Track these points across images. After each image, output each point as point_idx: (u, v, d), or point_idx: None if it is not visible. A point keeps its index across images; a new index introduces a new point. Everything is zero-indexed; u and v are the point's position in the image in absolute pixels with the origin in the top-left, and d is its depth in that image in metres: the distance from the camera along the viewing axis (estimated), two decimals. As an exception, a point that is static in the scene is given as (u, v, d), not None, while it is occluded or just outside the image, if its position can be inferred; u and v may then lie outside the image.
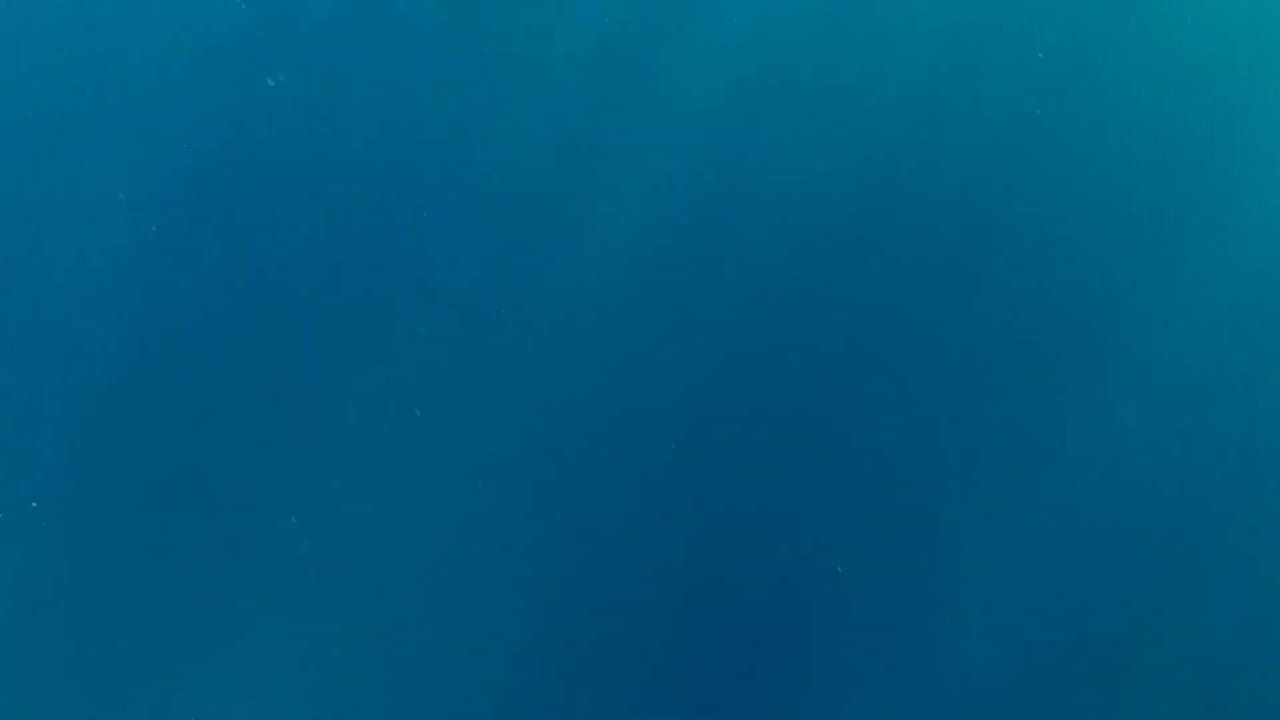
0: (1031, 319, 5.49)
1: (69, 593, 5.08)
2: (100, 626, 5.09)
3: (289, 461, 5.17)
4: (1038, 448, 5.40)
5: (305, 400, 5.21)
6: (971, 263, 5.45)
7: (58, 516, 5.07)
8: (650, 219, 5.39)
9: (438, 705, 5.16)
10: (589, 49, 5.40)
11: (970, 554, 5.33)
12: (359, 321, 5.25)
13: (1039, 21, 5.53)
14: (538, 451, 5.30)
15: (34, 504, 5.03)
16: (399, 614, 5.18)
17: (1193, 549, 5.39)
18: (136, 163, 5.17)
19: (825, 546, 5.32)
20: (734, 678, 5.29)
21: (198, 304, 5.19)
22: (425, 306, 5.27)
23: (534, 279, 5.33)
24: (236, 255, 5.22)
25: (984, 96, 5.54)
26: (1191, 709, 5.36)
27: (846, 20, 5.52)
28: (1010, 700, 5.30)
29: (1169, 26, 5.53)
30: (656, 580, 5.28)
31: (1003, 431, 5.40)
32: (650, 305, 5.39)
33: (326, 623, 5.16)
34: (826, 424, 5.38)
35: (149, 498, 5.12)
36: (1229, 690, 5.37)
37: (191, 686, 5.10)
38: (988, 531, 5.34)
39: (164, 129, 5.20)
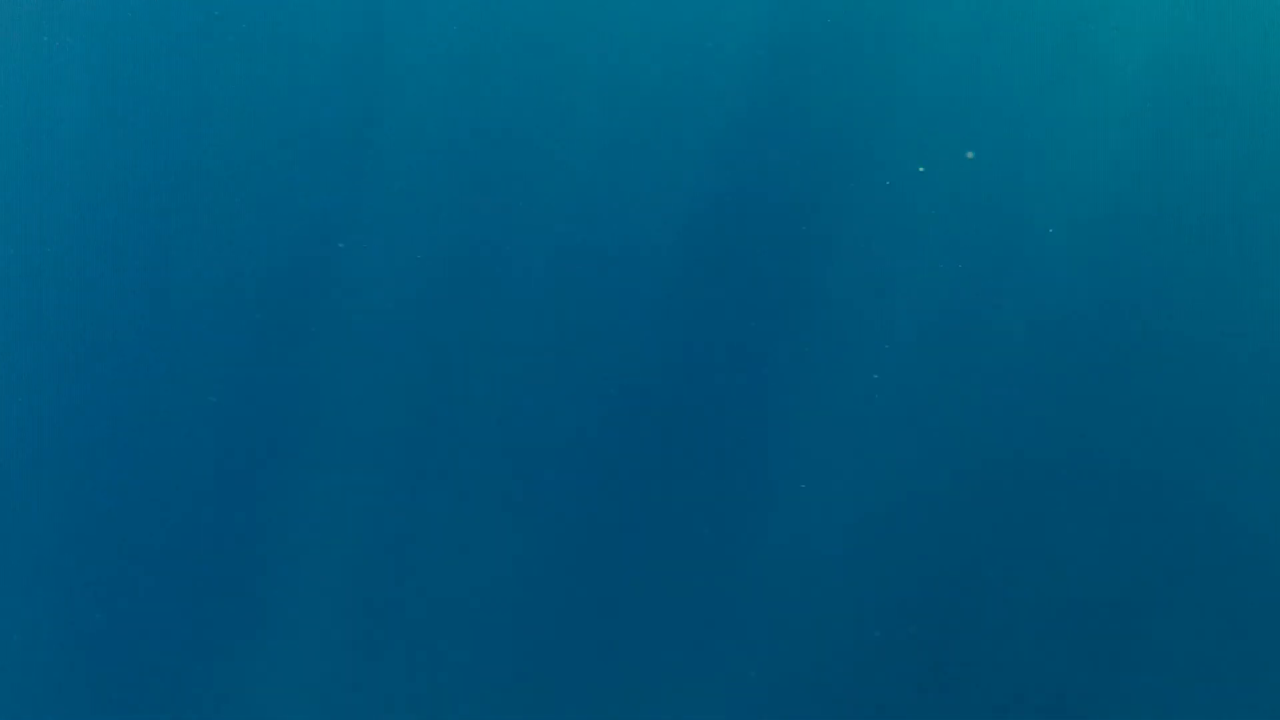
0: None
1: (69, 593, 5.10)
2: (101, 627, 5.11)
3: (290, 462, 5.19)
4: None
5: (305, 401, 5.22)
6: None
7: (59, 516, 5.11)
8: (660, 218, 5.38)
9: (438, 706, 5.14)
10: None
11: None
12: (365, 322, 5.28)
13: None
14: (545, 450, 5.28)
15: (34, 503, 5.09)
16: (400, 615, 5.17)
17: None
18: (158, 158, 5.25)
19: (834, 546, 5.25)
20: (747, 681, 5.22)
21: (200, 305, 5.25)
22: (426, 303, 5.29)
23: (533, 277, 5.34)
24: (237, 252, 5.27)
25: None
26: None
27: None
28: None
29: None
30: (665, 580, 5.24)
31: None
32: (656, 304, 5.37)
33: (329, 624, 5.16)
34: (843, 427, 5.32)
35: (151, 498, 5.15)
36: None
37: (192, 687, 5.12)
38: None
39: (165, 131, 5.27)
